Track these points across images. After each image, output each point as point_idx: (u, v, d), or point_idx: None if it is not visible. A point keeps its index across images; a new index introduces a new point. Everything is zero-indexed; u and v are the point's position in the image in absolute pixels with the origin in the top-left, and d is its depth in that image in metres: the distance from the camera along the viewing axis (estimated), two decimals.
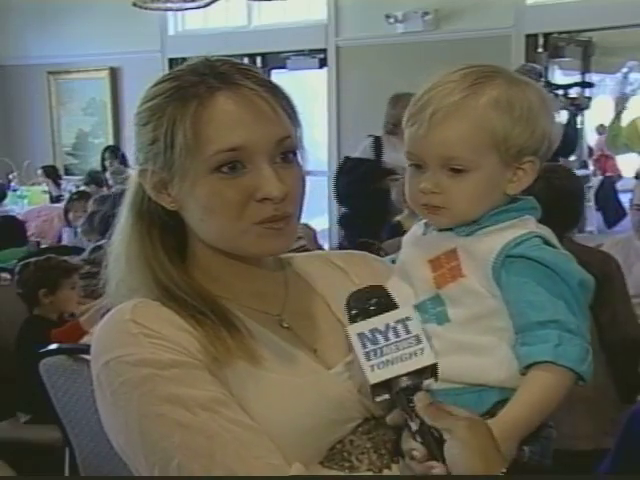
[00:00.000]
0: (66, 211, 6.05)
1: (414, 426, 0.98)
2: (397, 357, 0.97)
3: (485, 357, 1.08)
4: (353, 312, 1.04)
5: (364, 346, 0.99)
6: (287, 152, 1.12)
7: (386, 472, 1.11)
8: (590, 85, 6.61)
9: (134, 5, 6.37)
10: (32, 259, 3.58)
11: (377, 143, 5.00)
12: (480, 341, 1.09)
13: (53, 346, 2.82)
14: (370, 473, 1.10)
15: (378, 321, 1.00)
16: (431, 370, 0.99)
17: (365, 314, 1.02)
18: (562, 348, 1.04)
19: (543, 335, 1.05)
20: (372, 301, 1.03)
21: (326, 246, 6.69)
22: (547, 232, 1.13)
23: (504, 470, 0.96)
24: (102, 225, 4.25)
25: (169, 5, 6.53)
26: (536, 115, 1.12)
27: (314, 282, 1.26)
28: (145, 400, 1.03)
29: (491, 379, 1.08)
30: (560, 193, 2.54)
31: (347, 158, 5.31)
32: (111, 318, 1.12)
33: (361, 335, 0.99)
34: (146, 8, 6.50)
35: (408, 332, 0.99)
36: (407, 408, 0.98)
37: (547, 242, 1.11)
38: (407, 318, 1.00)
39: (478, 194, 1.12)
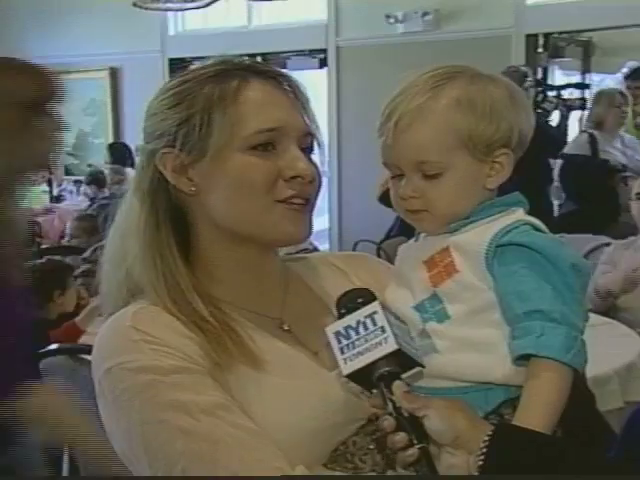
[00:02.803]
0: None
1: (388, 409, 1.02)
2: (365, 348, 1.04)
3: (489, 354, 1.08)
4: (342, 311, 1.08)
5: (339, 342, 1.05)
6: (307, 148, 1.17)
7: (390, 473, 1.10)
8: (585, 86, 6.58)
9: (134, 5, 6.37)
10: (33, 263, 3.51)
11: (593, 139, 5.01)
12: (481, 335, 1.09)
13: (53, 346, 2.81)
14: (374, 474, 1.09)
15: (351, 318, 1.06)
16: (399, 358, 1.04)
17: (353, 312, 1.07)
18: (544, 339, 1.03)
19: (528, 327, 1.04)
20: (359, 300, 1.07)
21: (326, 246, 6.69)
22: (537, 221, 1.13)
23: (491, 431, 0.98)
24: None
25: (169, 5, 6.54)
26: (500, 109, 1.12)
27: (314, 284, 1.26)
28: (147, 407, 1.03)
29: (497, 376, 1.07)
30: None
31: (564, 154, 5.13)
32: (111, 325, 1.12)
33: (337, 333, 1.06)
34: (146, 8, 6.50)
35: (375, 324, 1.05)
36: (383, 393, 1.03)
37: (537, 229, 1.11)
38: (374, 312, 1.06)
39: (457, 193, 1.13)
